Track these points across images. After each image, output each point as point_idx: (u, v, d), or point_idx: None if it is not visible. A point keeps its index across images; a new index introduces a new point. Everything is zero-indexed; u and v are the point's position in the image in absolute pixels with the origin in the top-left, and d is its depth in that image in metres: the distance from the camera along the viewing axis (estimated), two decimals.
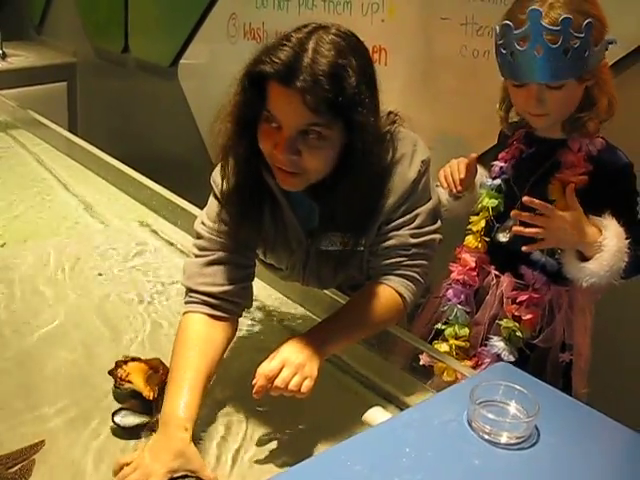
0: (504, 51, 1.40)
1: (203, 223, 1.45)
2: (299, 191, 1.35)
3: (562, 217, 1.39)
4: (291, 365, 1.23)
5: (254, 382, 1.22)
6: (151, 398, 1.34)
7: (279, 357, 1.24)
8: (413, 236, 1.40)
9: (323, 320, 1.38)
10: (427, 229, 1.42)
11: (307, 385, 1.23)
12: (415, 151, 1.39)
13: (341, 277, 1.52)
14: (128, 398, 1.38)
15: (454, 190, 1.61)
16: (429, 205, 1.42)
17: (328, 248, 1.42)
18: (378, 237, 1.41)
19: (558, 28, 1.32)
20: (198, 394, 1.27)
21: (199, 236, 1.46)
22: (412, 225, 1.40)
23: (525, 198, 1.41)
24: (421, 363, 1.52)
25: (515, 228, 1.45)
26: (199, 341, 1.36)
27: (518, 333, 1.54)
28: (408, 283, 1.41)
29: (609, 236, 1.40)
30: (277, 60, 1.20)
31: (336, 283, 1.60)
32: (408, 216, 1.40)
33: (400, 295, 1.41)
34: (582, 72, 1.38)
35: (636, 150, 1.48)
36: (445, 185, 1.62)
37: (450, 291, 1.63)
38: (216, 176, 1.43)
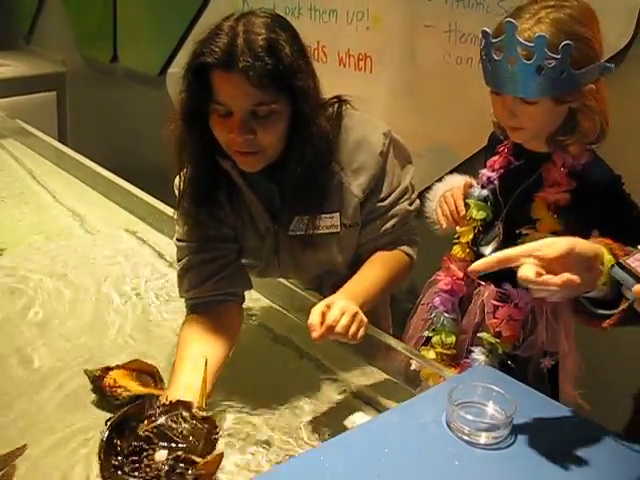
0: (484, 57, 1.40)
1: (176, 232, 1.53)
2: (257, 174, 1.42)
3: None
4: (350, 313, 1.30)
5: (313, 333, 1.27)
6: (163, 395, 1.33)
7: (338, 306, 1.30)
8: (410, 203, 1.56)
9: (350, 281, 1.45)
10: (413, 194, 1.60)
11: (361, 334, 1.32)
12: (375, 126, 1.50)
13: (317, 261, 1.56)
14: (124, 406, 1.37)
15: (458, 225, 1.60)
16: (409, 172, 1.59)
17: (295, 233, 1.47)
18: (372, 214, 1.51)
19: (532, 44, 1.29)
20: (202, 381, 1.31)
21: (176, 248, 1.54)
22: (407, 195, 1.56)
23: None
24: (412, 368, 1.53)
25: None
26: (193, 339, 1.42)
27: (499, 350, 1.54)
28: (413, 247, 1.59)
29: None
30: (216, 49, 1.28)
31: (316, 270, 1.62)
32: (400, 188, 1.53)
33: (409, 256, 1.58)
34: (557, 93, 1.34)
35: (612, 156, 1.49)
36: (445, 225, 1.61)
37: (437, 299, 1.64)
38: (177, 182, 1.49)
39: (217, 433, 1.22)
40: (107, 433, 1.18)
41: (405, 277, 1.60)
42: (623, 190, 1.47)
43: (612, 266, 1.01)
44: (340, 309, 1.29)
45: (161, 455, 1.15)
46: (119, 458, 1.15)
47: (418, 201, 1.62)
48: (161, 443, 1.17)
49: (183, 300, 1.54)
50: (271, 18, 1.34)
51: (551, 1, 1.36)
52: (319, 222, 1.46)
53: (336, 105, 1.47)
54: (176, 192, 1.49)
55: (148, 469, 1.13)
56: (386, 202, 1.51)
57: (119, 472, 1.14)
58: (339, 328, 1.27)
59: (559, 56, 1.29)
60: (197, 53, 1.31)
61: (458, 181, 1.67)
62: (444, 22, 2.14)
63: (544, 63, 1.29)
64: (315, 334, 1.27)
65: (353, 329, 1.29)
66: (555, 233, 1.42)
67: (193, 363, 1.34)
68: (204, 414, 1.23)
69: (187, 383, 1.31)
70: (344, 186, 1.46)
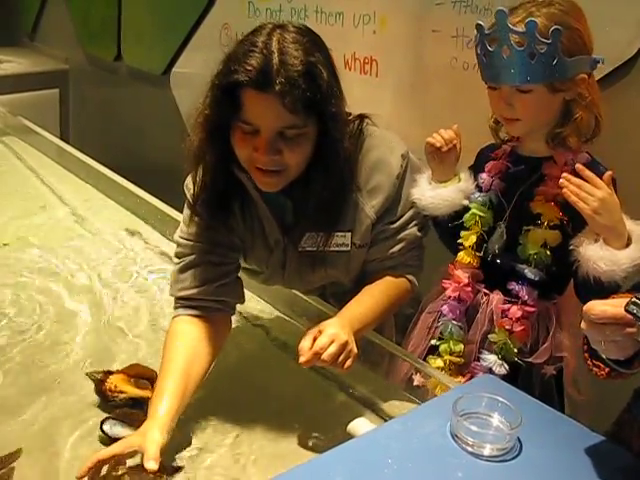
0: (479, 52, 1.42)
1: (181, 231, 1.50)
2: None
3: (609, 193, 1.32)
4: (339, 341, 1.27)
5: (300, 358, 1.26)
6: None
7: (327, 334, 1.27)
8: (420, 229, 1.53)
9: (348, 305, 1.43)
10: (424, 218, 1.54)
11: (348, 365, 1.29)
12: (393, 147, 1.47)
13: (322, 277, 1.54)
14: (121, 407, 1.39)
15: (444, 147, 1.54)
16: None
17: (305, 248, 1.45)
18: (381, 235, 1.48)
19: (523, 30, 1.33)
20: (174, 396, 1.30)
21: (177, 244, 1.50)
22: (417, 220, 1.52)
23: (577, 165, 1.36)
24: (415, 384, 1.52)
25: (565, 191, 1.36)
26: (182, 342, 1.39)
27: (510, 344, 1.52)
28: (416, 274, 1.56)
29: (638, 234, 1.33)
30: (250, 68, 1.23)
31: (319, 283, 1.61)
32: (410, 212, 1.50)
33: (410, 282, 1.54)
34: (550, 79, 1.37)
35: (620, 164, 1.48)
36: (437, 142, 1.54)
37: (445, 307, 1.61)
38: (188, 183, 1.47)
39: None
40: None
41: (403, 303, 1.58)
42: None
43: (629, 302, 0.96)
44: (330, 336, 1.27)
45: None
46: None
47: (428, 224, 1.57)
48: None
49: (174, 295, 1.49)
50: (305, 35, 1.30)
51: (541, 0, 1.41)
52: (331, 240, 1.44)
53: (357, 122, 1.44)
54: (187, 192, 1.47)
55: None
56: (396, 225, 1.49)
57: None
58: (325, 356, 1.25)
59: (550, 41, 1.32)
60: (228, 70, 1.27)
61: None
62: (451, 27, 2.12)
63: (536, 49, 1.33)
64: (302, 359, 1.26)
65: (341, 358, 1.27)
66: (558, 224, 1.44)
67: (176, 381, 1.33)
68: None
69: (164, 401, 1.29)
70: (359, 207, 1.44)
